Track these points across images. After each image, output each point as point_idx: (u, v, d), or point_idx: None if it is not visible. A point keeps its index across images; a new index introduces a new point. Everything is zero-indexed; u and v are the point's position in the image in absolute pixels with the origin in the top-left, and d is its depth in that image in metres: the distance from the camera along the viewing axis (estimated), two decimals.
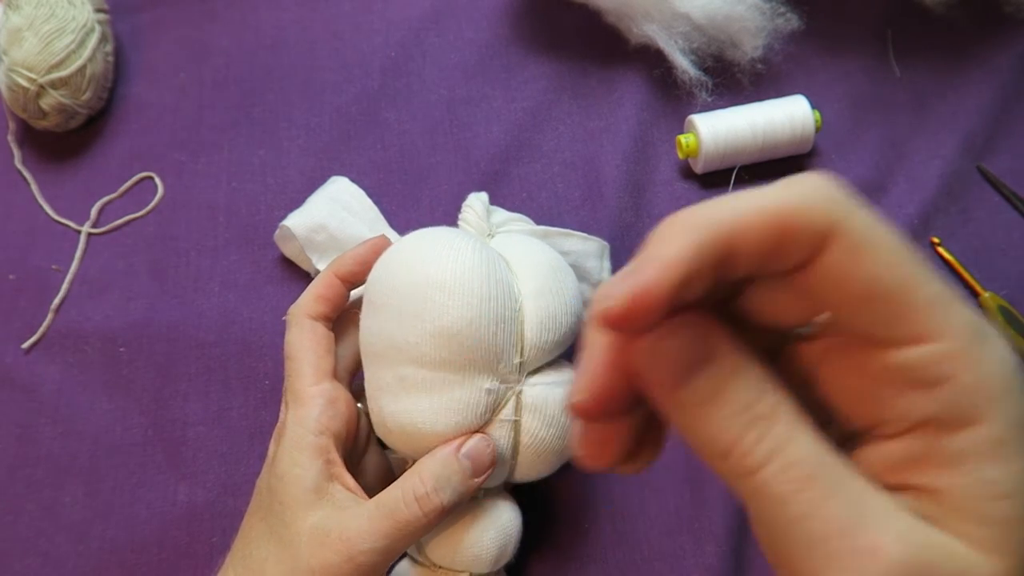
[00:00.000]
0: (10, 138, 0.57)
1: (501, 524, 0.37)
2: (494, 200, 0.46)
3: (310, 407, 0.36)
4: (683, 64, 0.53)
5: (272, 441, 0.38)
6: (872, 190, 0.53)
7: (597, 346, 0.19)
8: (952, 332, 0.18)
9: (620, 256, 0.51)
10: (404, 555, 0.39)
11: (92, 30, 0.55)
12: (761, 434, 0.18)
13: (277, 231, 0.49)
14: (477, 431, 0.36)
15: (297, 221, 0.48)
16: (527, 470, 0.38)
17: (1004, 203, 0.52)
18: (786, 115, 0.51)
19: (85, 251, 0.53)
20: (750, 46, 0.53)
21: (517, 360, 0.36)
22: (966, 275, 0.49)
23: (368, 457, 0.40)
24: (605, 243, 0.45)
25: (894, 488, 0.19)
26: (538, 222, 0.45)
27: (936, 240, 0.51)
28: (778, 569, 0.19)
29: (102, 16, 0.57)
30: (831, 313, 0.19)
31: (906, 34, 0.58)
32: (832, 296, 0.19)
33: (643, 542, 0.43)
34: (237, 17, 0.61)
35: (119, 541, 0.44)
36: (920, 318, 0.18)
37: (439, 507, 0.33)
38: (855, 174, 0.53)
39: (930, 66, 0.57)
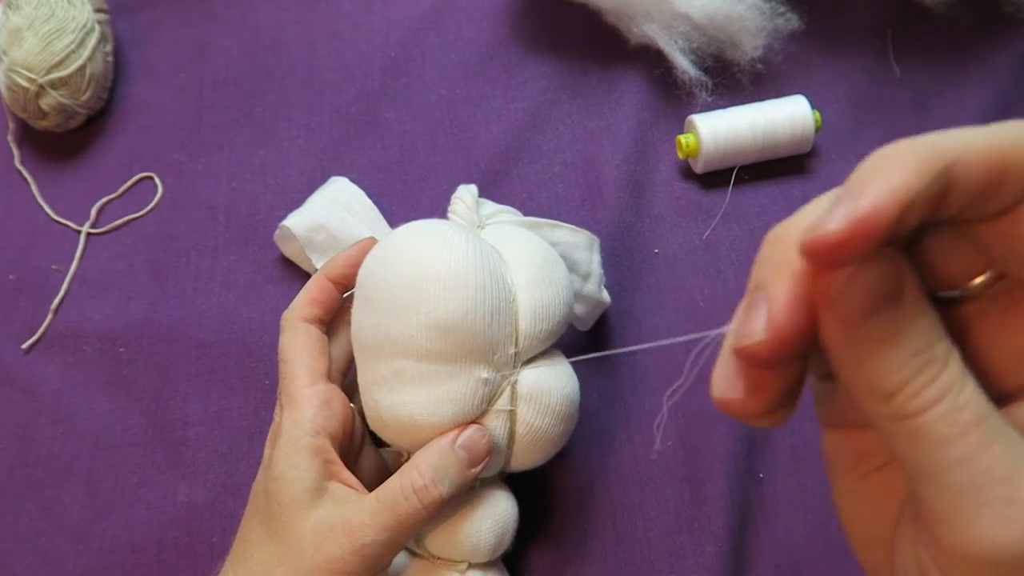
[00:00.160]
0: (10, 138, 0.57)
1: (498, 514, 0.38)
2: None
3: (305, 408, 0.36)
4: (683, 64, 0.53)
5: (267, 444, 0.38)
6: None
7: (782, 282, 0.18)
8: None
9: (620, 256, 0.51)
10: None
11: (92, 30, 0.55)
12: (932, 377, 0.18)
13: (277, 231, 0.49)
14: (473, 422, 0.36)
15: (297, 221, 0.48)
16: (523, 459, 0.38)
17: None
18: (786, 115, 0.51)
19: (85, 251, 0.53)
20: (750, 46, 0.53)
21: (512, 350, 0.36)
22: None
23: (363, 456, 0.40)
24: (595, 237, 0.45)
25: None
26: None
27: None
28: (925, 521, 0.18)
29: (102, 16, 0.57)
30: (1002, 272, 0.19)
31: (906, 34, 0.58)
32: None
33: (643, 541, 0.43)
34: (237, 17, 0.61)
35: (119, 541, 0.44)
36: None
37: (438, 499, 0.34)
38: None
39: (930, 66, 0.57)
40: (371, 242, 0.41)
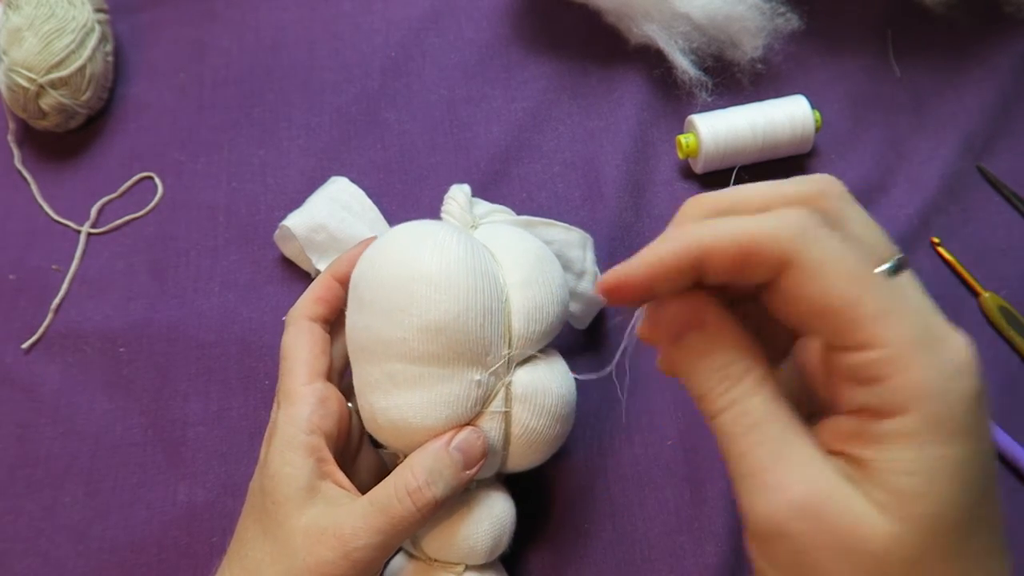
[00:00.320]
0: (10, 138, 0.57)
1: (495, 515, 0.37)
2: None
3: (301, 406, 0.36)
4: (683, 64, 0.53)
5: (264, 442, 0.38)
6: (872, 190, 0.53)
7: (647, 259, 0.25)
8: (891, 342, 0.22)
9: (620, 256, 0.50)
10: (399, 549, 0.39)
11: (92, 30, 0.55)
12: (727, 388, 0.24)
13: (277, 231, 0.49)
14: (467, 424, 0.36)
15: (297, 221, 0.48)
16: (519, 460, 0.38)
17: (1004, 203, 0.52)
18: (786, 115, 0.51)
19: (85, 251, 0.53)
20: (750, 46, 0.53)
21: (505, 351, 0.36)
22: (966, 275, 0.49)
23: (362, 456, 0.40)
24: (588, 235, 0.45)
25: (837, 454, 0.23)
26: None
27: (936, 240, 0.51)
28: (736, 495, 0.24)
29: (102, 16, 0.57)
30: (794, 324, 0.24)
31: (906, 34, 0.58)
32: (792, 311, 0.23)
33: (643, 541, 0.43)
34: (237, 17, 0.61)
35: (119, 541, 0.44)
36: (864, 330, 0.22)
37: (432, 501, 0.34)
38: (855, 174, 0.53)
39: (930, 66, 0.57)
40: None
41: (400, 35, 0.60)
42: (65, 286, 0.51)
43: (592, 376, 0.33)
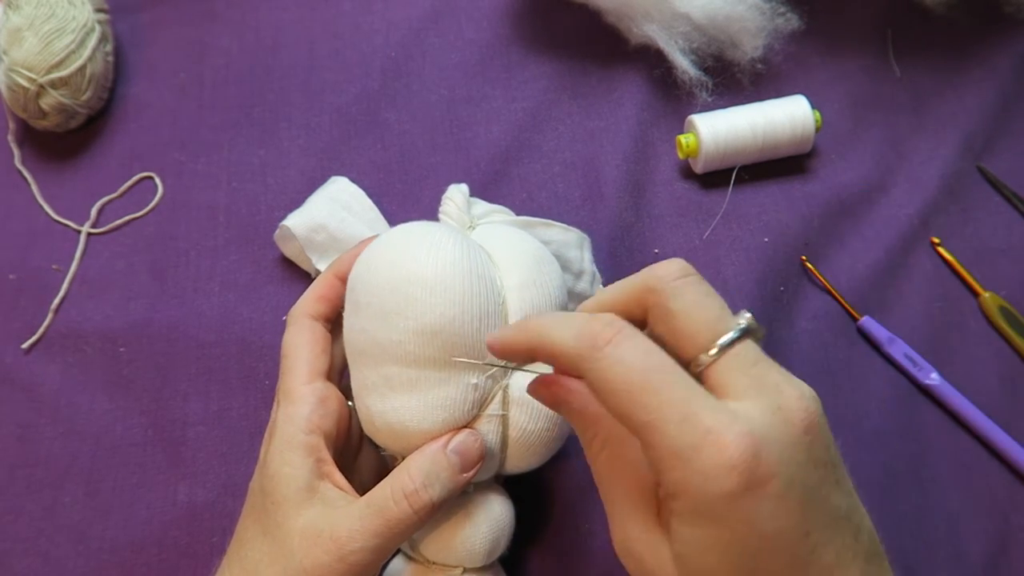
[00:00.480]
0: (10, 138, 0.57)
1: (493, 517, 0.37)
2: (494, 200, 0.46)
3: (300, 405, 0.36)
4: (683, 64, 0.53)
5: (263, 441, 0.38)
6: (872, 190, 0.53)
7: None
8: (656, 446, 0.26)
9: (620, 256, 0.51)
10: (398, 552, 0.39)
11: (92, 30, 0.55)
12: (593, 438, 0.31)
13: (277, 231, 0.49)
14: (465, 426, 0.36)
15: (297, 221, 0.48)
16: (517, 463, 0.38)
17: (1004, 203, 0.52)
18: (786, 115, 0.51)
19: (85, 251, 0.53)
20: (750, 46, 0.53)
21: None
22: (966, 275, 0.49)
23: (362, 456, 0.40)
24: (585, 235, 0.45)
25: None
26: None
27: (936, 240, 0.51)
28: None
29: (102, 16, 0.57)
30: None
31: (906, 34, 0.58)
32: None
33: None
34: (237, 17, 0.61)
35: (119, 541, 0.44)
36: (640, 435, 0.26)
37: (428, 503, 0.33)
38: (855, 174, 0.53)
39: (930, 66, 0.57)
40: None
41: (400, 35, 0.60)
42: (65, 286, 0.51)
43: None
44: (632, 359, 0.27)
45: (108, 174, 0.55)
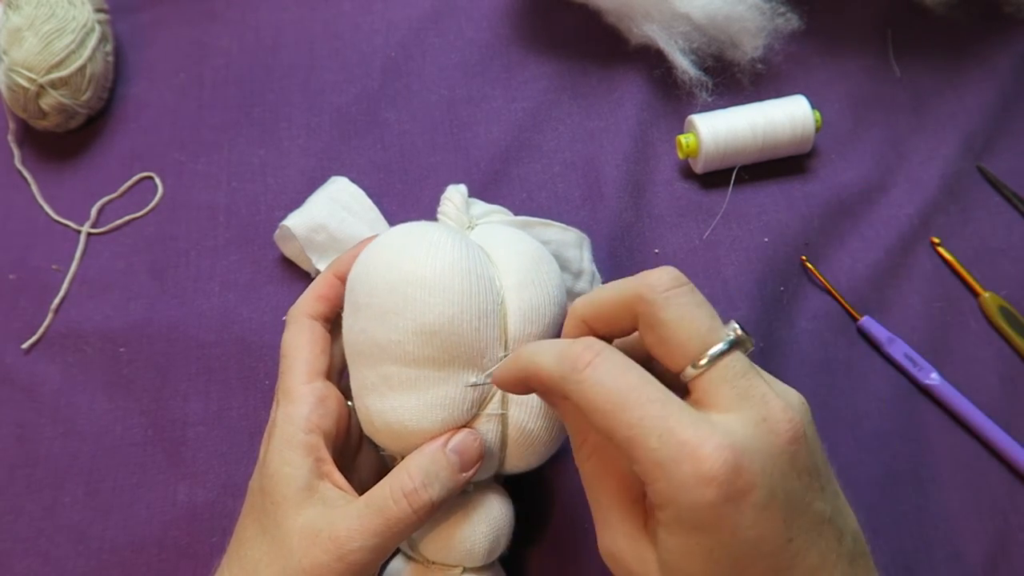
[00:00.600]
0: (10, 138, 0.57)
1: (492, 517, 0.37)
2: (494, 200, 0.46)
3: (300, 405, 0.36)
4: (683, 64, 0.53)
5: (263, 441, 0.38)
6: (872, 190, 0.53)
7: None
8: (640, 460, 0.27)
9: (620, 256, 0.51)
10: (397, 551, 0.39)
11: (92, 30, 0.55)
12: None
13: (277, 231, 0.49)
14: (464, 426, 0.36)
15: (297, 221, 0.48)
16: (517, 462, 0.38)
17: (1004, 203, 0.52)
18: (786, 115, 0.51)
19: (85, 251, 0.53)
20: (750, 46, 0.53)
21: (501, 354, 0.36)
22: (966, 275, 0.49)
23: (362, 456, 0.40)
24: (584, 235, 0.45)
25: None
26: None
27: (936, 240, 0.51)
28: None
29: (102, 16, 0.57)
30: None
31: (906, 34, 0.58)
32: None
33: None
34: (237, 17, 0.61)
35: (119, 541, 0.44)
36: (624, 449, 0.27)
37: (428, 503, 0.33)
38: (855, 174, 0.53)
39: (930, 66, 0.57)
40: None
41: (400, 35, 0.60)
42: (65, 286, 0.51)
43: None
44: (611, 379, 0.28)
45: (108, 174, 0.55)
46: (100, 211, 0.54)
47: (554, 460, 0.40)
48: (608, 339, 0.32)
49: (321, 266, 0.48)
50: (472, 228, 0.40)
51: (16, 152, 0.57)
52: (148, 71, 0.60)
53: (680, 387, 0.29)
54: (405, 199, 0.53)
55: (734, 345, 0.28)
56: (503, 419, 0.36)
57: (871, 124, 0.55)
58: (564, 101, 0.56)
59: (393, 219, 0.50)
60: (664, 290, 0.29)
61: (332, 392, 0.37)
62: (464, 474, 0.35)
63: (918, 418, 0.46)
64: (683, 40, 0.53)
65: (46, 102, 0.53)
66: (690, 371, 0.29)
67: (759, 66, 0.55)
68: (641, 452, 0.27)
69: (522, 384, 0.32)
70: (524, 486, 0.42)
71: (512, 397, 0.36)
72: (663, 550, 0.28)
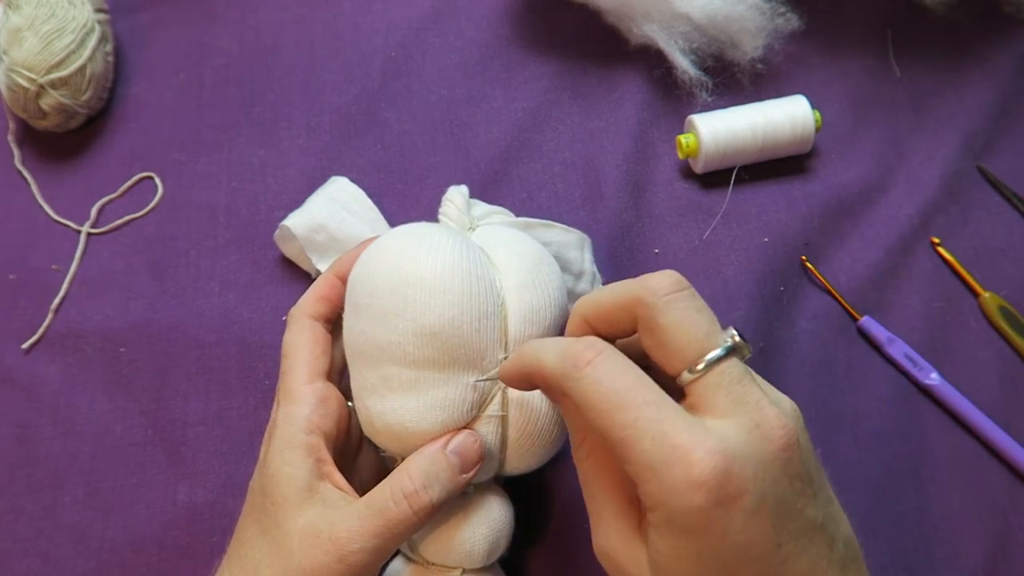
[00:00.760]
0: (10, 138, 0.57)
1: (492, 519, 0.37)
2: (494, 200, 0.46)
3: (301, 405, 0.36)
4: (683, 64, 0.53)
5: (263, 441, 0.38)
6: (872, 190, 0.53)
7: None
8: (633, 462, 0.27)
9: (620, 256, 0.51)
10: (397, 553, 0.39)
11: (92, 30, 0.55)
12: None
13: (277, 231, 0.49)
14: (464, 427, 0.36)
15: (297, 221, 0.48)
16: (517, 463, 0.38)
17: (1004, 203, 0.52)
18: (786, 115, 0.51)
19: (85, 251, 0.53)
20: (750, 46, 0.53)
21: (501, 355, 0.36)
22: (966, 275, 0.49)
23: (362, 456, 0.40)
24: (586, 236, 0.45)
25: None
26: None
27: (936, 240, 0.51)
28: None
29: (102, 16, 0.57)
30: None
31: (906, 34, 0.58)
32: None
33: None
34: (237, 17, 0.61)
35: (119, 541, 0.44)
36: (617, 450, 0.27)
37: (428, 504, 0.33)
38: (855, 174, 0.53)
39: (930, 66, 0.57)
40: None
41: (400, 35, 0.60)
42: (65, 286, 0.51)
43: None
44: (609, 379, 0.28)
45: (108, 174, 0.55)
46: (100, 211, 0.54)
47: (554, 462, 0.40)
48: (611, 339, 0.32)
49: (321, 266, 0.48)
50: (473, 229, 0.40)
51: (16, 152, 0.57)
52: (148, 71, 0.60)
53: (677, 390, 0.29)
54: (405, 199, 0.53)
55: (731, 351, 0.29)
56: (503, 420, 0.36)
57: (871, 124, 0.55)
58: (564, 101, 0.56)
59: (393, 219, 0.50)
60: (664, 294, 0.29)
61: (333, 393, 0.37)
62: (464, 475, 0.35)
63: (918, 418, 0.46)
64: (683, 40, 0.53)
65: (46, 102, 0.53)
66: (686, 375, 0.29)
67: (759, 66, 0.55)
68: (634, 453, 0.27)
69: (526, 380, 0.32)
70: (524, 488, 0.42)
71: (512, 399, 0.36)
72: (653, 551, 0.28)
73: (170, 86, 0.59)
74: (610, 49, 0.57)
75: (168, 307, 0.50)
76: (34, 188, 0.55)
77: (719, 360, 0.28)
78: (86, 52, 0.54)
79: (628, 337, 0.33)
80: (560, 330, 0.39)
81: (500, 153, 0.54)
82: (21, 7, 0.53)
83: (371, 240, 0.41)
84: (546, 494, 0.44)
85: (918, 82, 0.56)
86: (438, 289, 0.34)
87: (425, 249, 0.35)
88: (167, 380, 0.48)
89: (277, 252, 0.51)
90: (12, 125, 0.57)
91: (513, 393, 0.36)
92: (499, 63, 0.58)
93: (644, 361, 0.31)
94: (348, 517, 0.33)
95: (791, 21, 0.54)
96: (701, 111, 0.53)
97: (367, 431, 0.38)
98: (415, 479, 0.34)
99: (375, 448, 0.41)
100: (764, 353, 0.47)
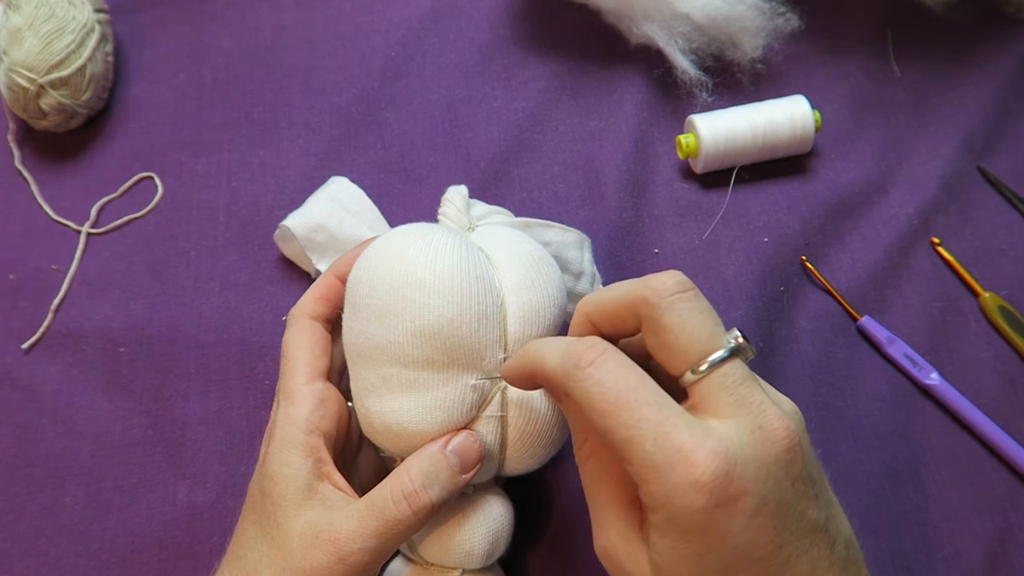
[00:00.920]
0: (10, 138, 0.57)
1: (492, 519, 0.37)
2: (493, 200, 0.46)
3: (300, 406, 0.36)
4: (683, 64, 0.53)
5: (263, 442, 0.38)
6: (872, 190, 0.53)
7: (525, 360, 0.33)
8: (634, 462, 0.27)
9: (620, 256, 0.51)
10: (397, 553, 0.39)
11: (92, 30, 0.55)
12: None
13: (277, 231, 0.49)
14: (464, 428, 0.36)
15: (297, 221, 0.48)
16: (516, 464, 0.38)
17: (1004, 203, 0.52)
18: (786, 115, 0.51)
19: (85, 251, 0.53)
20: (750, 46, 0.53)
21: (501, 356, 0.36)
22: (966, 275, 0.49)
23: (362, 456, 0.40)
24: (585, 236, 0.45)
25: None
26: None
27: (936, 240, 0.51)
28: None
29: (102, 16, 0.57)
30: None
31: (906, 34, 0.58)
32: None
33: None
34: (237, 17, 0.61)
35: (119, 541, 0.44)
36: (618, 451, 0.28)
37: (428, 504, 0.33)
38: (855, 174, 0.53)
39: (930, 66, 0.57)
40: None
41: (400, 35, 0.60)
42: (65, 286, 0.51)
43: None
44: (611, 379, 0.28)
45: (108, 174, 0.55)
46: (100, 211, 0.54)
47: (554, 462, 0.40)
48: (614, 339, 0.32)
49: (321, 266, 0.48)
50: (472, 230, 0.40)
51: (16, 152, 0.57)
52: (148, 71, 0.60)
53: (679, 391, 0.29)
54: (405, 199, 0.53)
55: (734, 353, 0.29)
56: (503, 421, 0.36)
57: (871, 124, 0.55)
58: (564, 101, 0.57)
59: (393, 219, 0.50)
60: (668, 295, 0.29)
61: (332, 393, 0.37)
62: (464, 476, 0.35)
63: (918, 418, 0.46)
64: (683, 40, 0.53)
65: (46, 102, 0.53)
66: (689, 376, 0.29)
67: (759, 66, 0.55)
68: (636, 454, 0.27)
69: (528, 379, 0.32)
70: (524, 488, 0.42)
71: (512, 400, 0.36)
72: (654, 552, 0.28)
73: (170, 86, 0.59)
74: (610, 49, 0.57)
75: (168, 307, 0.50)
76: (34, 188, 0.55)
77: (722, 361, 0.28)
78: (86, 52, 0.54)
79: (631, 337, 0.33)
80: (560, 330, 0.39)
81: (500, 153, 0.54)
82: (21, 7, 0.53)
83: (371, 240, 0.41)
84: (546, 494, 0.44)
85: (918, 82, 0.56)
86: (437, 289, 0.34)
87: (424, 249, 0.35)
88: (167, 380, 0.48)
89: (277, 252, 0.51)
90: (12, 125, 0.57)
91: (513, 394, 0.36)
92: (499, 63, 0.58)
93: (646, 361, 0.31)
94: (348, 517, 0.33)
95: (791, 21, 0.54)
96: (701, 111, 0.53)
97: (367, 431, 0.38)
98: (415, 479, 0.34)
99: (375, 448, 0.41)
100: (764, 353, 0.47)
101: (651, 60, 0.56)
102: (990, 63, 0.57)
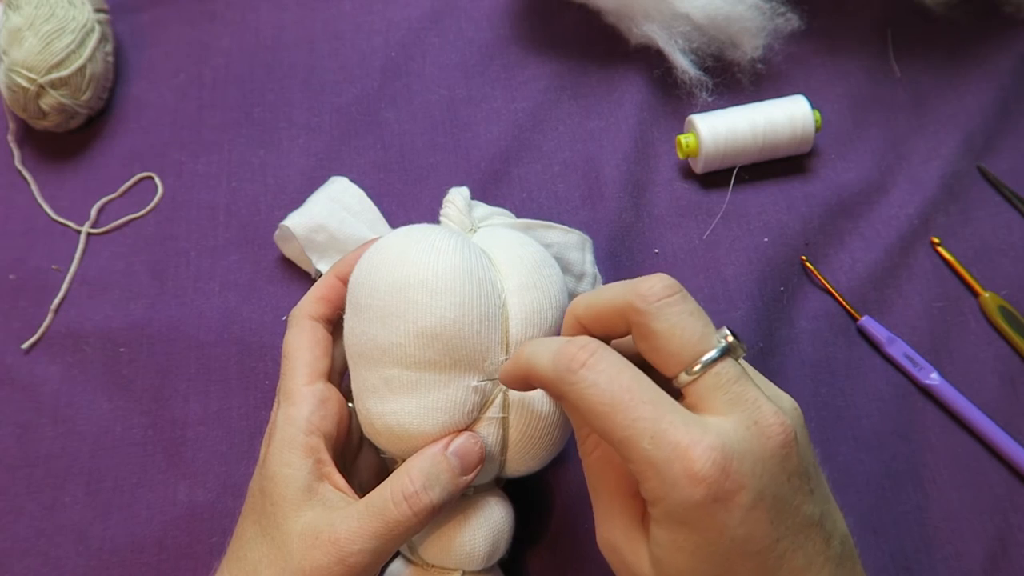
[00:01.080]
0: (10, 138, 0.57)
1: (492, 521, 0.37)
2: (494, 200, 0.46)
3: (301, 406, 0.36)
4: (683, 64, 0.53)
5: (263, 442, 0.38)
6: (872, 190, 0.53)
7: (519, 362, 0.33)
8: (633, 460, 0.27)
9: (620, 256, 0.51)
10: (397, 554, 0.39)
11: (92, 30, 0.55)
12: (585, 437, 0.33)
13: (277, 231, 0.49)
14: (465, 429, 0.36)
15: (297, 221, 0.48)
16: (517, 465, 0.38)
17: (1004, 203, 0.52)
18: (786, 115, 0.51)
19: (85, 251, 0.53)
20: (750, 46, 0.53)
21: (502, 357, 0.36)
22: (966, 275, 0.49)
23: (362, 457, 0.40)
24: (587, 237, 0.45)
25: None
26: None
27: (936, 240, 0.51)
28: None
29: (102, 16, 0.57)
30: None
31: (906, 34, 0.58)
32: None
33: None
34: (237, 17, 0.61)
35: (119, 541, 0.44)
36: (619, 450, 0.28)
37: (428, 506, 0.33)
38: (855, 174, 0.53)
39: (930, 66, 0.57)
40: None
41: (400, 35, 0.60)
42: (65, 286, 0.51)
43: None
44: (605, 380, 0.28)
45: (108, 174, 0.55)
46: (100, 211, 0.54)
47: (554, 462, 0.40)
48: (606, 340, 0.32)
49: (321, 266, 0.48)
50: (474, 231, 0.40)
51: (16, 152, 0.57)
52: (148, 71, 0.60)
53: (675, 389, 0.29)
54: (405, 199, 0.53)
55: (726, 352, 0.29)
56: (504, 423, 0.36)
57: (871, 124, 0.55)
58: (564, 101, 0.56)
59: (393, 219, 0.50)
60: (655, 300, 0.29)
61: (333, 394, 0.37)
62: (465, 477, 0.35)
63: (918, 418, 0.46)
64: (683, 40, 0.53)
65: (46, 102, 0.53)
66: (683, 377, 0.29)
67: (759, 66, 0.55)
68: (634, 453, 0.27)
69: (523, 382, 0.32)
70: (524, 488, 0.42)
71: (513, 401, 0.36)
72: (654, 545, 0.29)
73: (170, 86, 0.59)
74: (610, 49, 0.57)
75: (168, 307, 0.50)
76: (34, 188, 0.55)
77: (714, 362, 0.29)
78: (86, 52, 0.54)
79: (624, 337, 0.33)
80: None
81: (500, 153, 0.54)
82: (21, 7, 0.53)
83: (372, 241, 0.41)
84: (546, 494, 0.44)
85: (918, 82, 0.56)
86: (439, 291, 0.34)
87: (426, 251, 0.35)
88: (167, 380, 0.48)
89: (277, 252, 0.51)
90: (12, 125, 0.57)
91: (514, 395, 0.36)
92: (499, 63, 0.58)
93: (640, 359, 0.31)
94: (348, 518, 0.33)
95: (791, 21, 0.54)
96: (701, 111, 0.53)
97: (367, 432, 0.38)
98: (415, 480, 0.34)
99: (375, 449, 0.41)
100: (764, 353, 0.47)
101: (651, 60, 0.56)
102: (990, 63, 0.57)
